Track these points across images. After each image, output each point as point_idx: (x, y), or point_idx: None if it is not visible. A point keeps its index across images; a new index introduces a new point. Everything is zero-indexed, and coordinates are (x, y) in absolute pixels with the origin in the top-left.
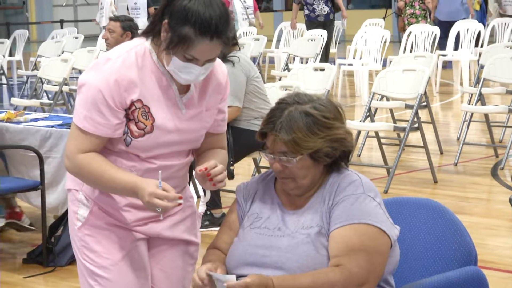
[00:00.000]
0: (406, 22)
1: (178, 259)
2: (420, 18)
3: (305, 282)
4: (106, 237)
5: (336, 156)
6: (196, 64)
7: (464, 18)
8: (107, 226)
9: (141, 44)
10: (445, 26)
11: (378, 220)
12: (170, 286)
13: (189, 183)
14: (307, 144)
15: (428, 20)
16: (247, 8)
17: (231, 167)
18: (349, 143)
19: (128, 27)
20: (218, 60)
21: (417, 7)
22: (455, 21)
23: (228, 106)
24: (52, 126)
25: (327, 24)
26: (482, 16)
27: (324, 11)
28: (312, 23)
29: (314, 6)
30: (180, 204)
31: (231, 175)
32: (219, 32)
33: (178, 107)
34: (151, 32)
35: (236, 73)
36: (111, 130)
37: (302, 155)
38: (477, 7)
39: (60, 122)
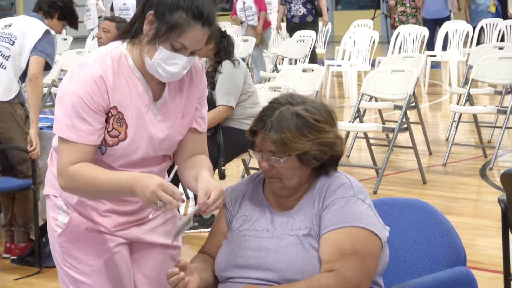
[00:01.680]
0: (397, 19)
1: (160, 263)
2: (410, 17)
3: None
4: (86, 243)
5: (324, 160)
6: (183, 54)
7: (448, 16)
8: (87, 232)
9: (116, 48)
10: (431, 24)
11: (369, 223)
12: None
13: (177, 185)
14: (295, 146)
15: (418, 19)
16: (246, 10)
17: (222, 168)
18: (339, 148)
19: (122, 29)
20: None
21: (408, 5)
22: (441, 18)
23: (223, 105)
24: (41, 128)
25: (304, 26)
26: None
27: (300, 12)
28: (288, 23)
29: (291, 5)
30: (178, 206)
31: (222, 175)
32: (210, 20)
33: (152, 113)
34: (129, 32)
35: (236, 74)
36: (95, 136)
37: (290, 156)
38: (493, 10)
39: (48, 124)
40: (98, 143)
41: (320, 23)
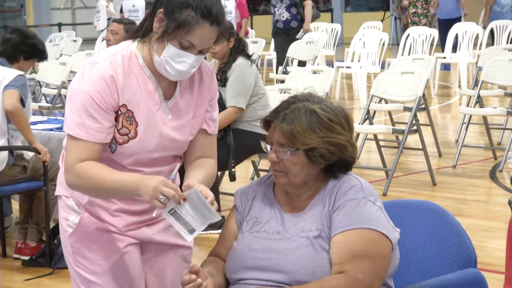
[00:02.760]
0: (410, 20)
1: (171, 263)
2: (422, 17)
3: None
4: (97, 243)
5: (332, 161)
6: (191, 53)
7: (460, 17)
8: (98, 232)
9: (127, 48)
10: (445, 25)
11: (380, 225)
12: None
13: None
14: (303, 139)
15: (429, 19)
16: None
17: (233, 169)
18: (349, 153)
19: (130, 30)
20: (204, 61)
21: (420, 6)
22: (453, 18)
23: (233, 107)
24: (51, 130)
25: (289, 32)
26: None
27: (283, 17)
28: (273, 29)
29: (275, 9)
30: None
31: (232, 177)
32: (219, 19)
33: (163, 112)
34: (140, 31)
35: (247, 75)
36: (104, 134)
37: (297, 150)
38: None
39: (58, 125)
40: (107, 141)
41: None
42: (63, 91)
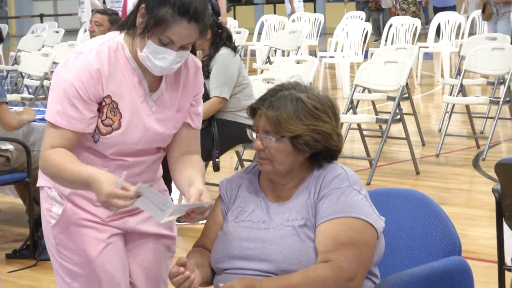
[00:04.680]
0: (399, 7)
1: (155, 253)
2: (411, 5)
3: (296, 280)
4: (81, 234)
5: (317, 149)
6: (171, 49)
7: (455, 5)
8: (82, 222)
9: (114, 38)
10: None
11: (365, 213)
12: (149, 280)
13: (170, 182)
14: (289, 126)
15: (417, 6)
16: (116, 2)
17: (217, 159)
18: (334, 142)
19: (114, 21)
20: (190, 55)
21: None
22: (449, 6)
23: (216, 97)
24: (34, 121)
25: None
26: None
27: None
28: None
29: None
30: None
31: (216, 167)
32: (197, 16)
33: (148, 105)
34: (126, 23)
35: (230, 66)
36: (85, 125)
37: (282, 137)
38: None
39: (41, 116)
40: (88, 131)
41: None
42: (45, 82)
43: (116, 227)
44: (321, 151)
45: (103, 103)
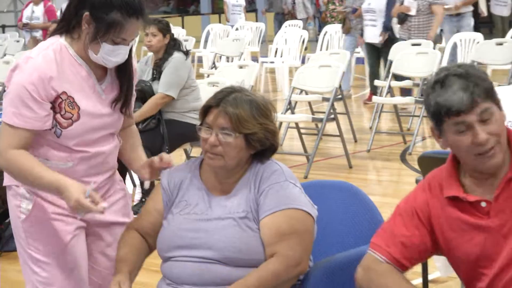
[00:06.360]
0: (329, 15)
1: (114, 239)
2: (339, 15)
3: (252, 282)
4: (50, 227)
5: (266, 146)
6: (124, 45)
7: None
8: (51, 216)
9: (57, 41)
10: None
11: (302, 203)
12: (113, 267)
13: (125, 174)
14: (247, 124)
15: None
16: (33, 20)
17: None
18: (277, 140)
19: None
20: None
21: (337, 3)
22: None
23: (162, 93)
24: None
25: None
26: None
27: None
28: None
29: None
30: (103, 211)
31: None
32: (143, 10)
33: (98, 94)
34: (64, 28)
35: (181, 68)
36: (41, 123)
37: (239, 134)
38: None
39: None
40: (44, 129)
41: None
42: None
43: (81, 218)
44: (268, 148)
45: (60, 100)
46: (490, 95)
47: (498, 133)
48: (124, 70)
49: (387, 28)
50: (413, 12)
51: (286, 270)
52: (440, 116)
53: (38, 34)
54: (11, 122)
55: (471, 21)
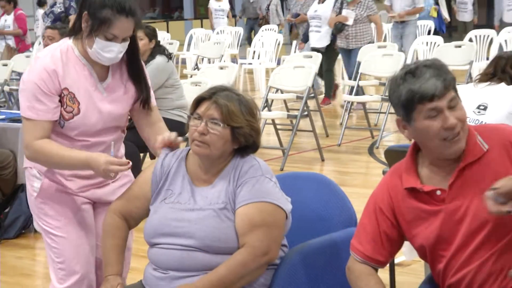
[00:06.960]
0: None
1: None
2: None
3: (222, 272)
4: (57, 203)
5: (249, 142)
6: (116, 42)
7: None
8: (57, 194)
9: (65, 43)
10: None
11: (275, 198)
12: None
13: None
14: (236, 118)
15: None
16: (5, 28)
17: None
18: (259, 140)
19: (64, 33)
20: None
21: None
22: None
23: None
24: None
25: None
26: (441, 22)
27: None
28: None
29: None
30: (130, 167)
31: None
32: (133, 11)
33: (99, 91)
34: (72, 31)
35: (161, 71)
36: (50, 114)
37: (228, 126)
38: (434, 14)
39: (3, 117)
40: (54, 119)
41: None
42: (5, 88)
43: (85, 197)
44: (250, 145)
45: (63, 95)
46: (454, 85)
47: (463, 119)
48: (136, 71)
49: (333, 34)
50: (350, 22)
51: (253, 259)
52: (412, 103)
53: (11, 42)
54: (26, 115)
55: (415, 29)
